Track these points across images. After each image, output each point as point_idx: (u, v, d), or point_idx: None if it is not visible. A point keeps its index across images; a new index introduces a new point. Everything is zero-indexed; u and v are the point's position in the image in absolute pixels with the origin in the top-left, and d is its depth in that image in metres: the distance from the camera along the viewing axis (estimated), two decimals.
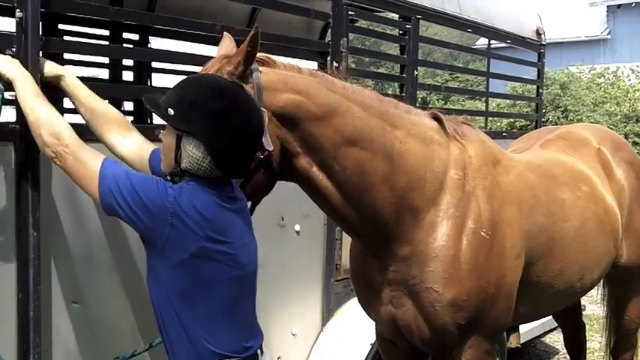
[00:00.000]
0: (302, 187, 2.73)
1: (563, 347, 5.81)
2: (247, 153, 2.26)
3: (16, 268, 2.45)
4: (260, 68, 2.48)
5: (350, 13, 3.94)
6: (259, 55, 2.50)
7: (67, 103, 5.17)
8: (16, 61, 2.37)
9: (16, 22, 2.42)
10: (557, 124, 16.07)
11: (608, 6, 27.74)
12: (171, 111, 2.19)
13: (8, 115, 2.57)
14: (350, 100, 2.71)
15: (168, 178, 2.24)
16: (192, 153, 2.19)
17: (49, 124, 2.26)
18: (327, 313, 3.98)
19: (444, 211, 2.89)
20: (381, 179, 2.74)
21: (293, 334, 3.75)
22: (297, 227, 3.70)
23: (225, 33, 2.64)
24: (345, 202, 2.74)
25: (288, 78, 2.53)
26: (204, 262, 2.17)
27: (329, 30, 4.06)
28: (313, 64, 5.81)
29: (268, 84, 2.47)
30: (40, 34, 2.50)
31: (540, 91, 6.68)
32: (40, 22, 2.52)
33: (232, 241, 2.23)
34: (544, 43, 6.34)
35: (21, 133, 2.42)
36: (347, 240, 3.39)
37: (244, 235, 2.32)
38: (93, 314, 2.68)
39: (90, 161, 2.20)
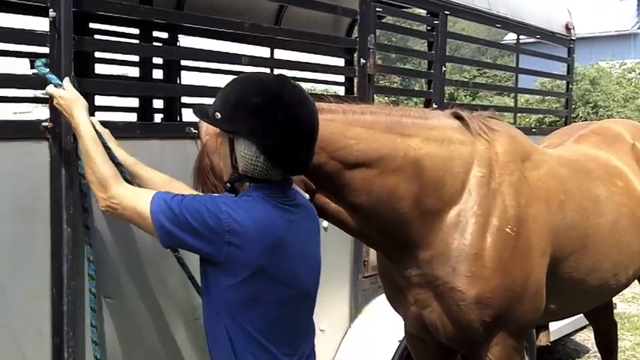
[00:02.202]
0: (321, 217, 2.71)
1: (594, 346, 5.75)
2: (301, 145, 2.19)
3: (51, 264, 2.49)
4: None
5: (377, 9, 3.94)
6: None
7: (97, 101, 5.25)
8: (77, 105, 2.37)
9: (50, 21, 2.46)
10: (587, 120, 15.89)
11: (638, 0, 27.32)
12: (218, 115, 2.17)
13: (43, 113, 2.61)
14: (352, 124, 2.70)
15: (228, 185, 2.21)
16: (245, 153, 2.14)
17: (97, 180, 2.26)
18: (355, 310, 3.98)
19: (466, 210, 2.88)
20: (393, 192, 2.75)
21: (321, 330, 3.76)
22: (325, 224, 3.70)
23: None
24: (359, 220, 2.79)
25: None
26: (261, 280, 2.12)
27: (356, 26, 4.05)
28: (340, 61, 5.84)
29: None
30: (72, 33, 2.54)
31: (570, 86, 6.61)
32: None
33: (292, 257, 2.18)
34: (574, 38, 6.27)
35: (55, 130, 2.46)
36: None
37: (306, 249, 2.27)
38: (125, 309, 2.72)
39: (139, 204, 2.17)
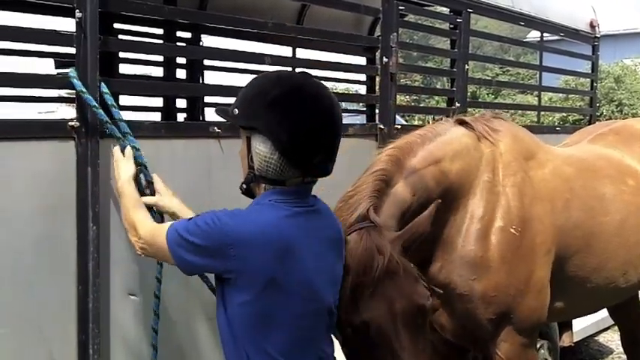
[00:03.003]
0: None
1: (617, 347, 5.69)
2: (318, 143, 2.08)
3: (77, 261, 2.52)
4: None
5: (400, 7, 3.93)
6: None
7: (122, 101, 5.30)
8: (124, 168, 2.46)
9: (76, 22, 2.48)
10: (611, 119, 15.73)
11: None
12: (236, 111, 2.13)
13: (68, 112, 2.65)
14: (407, 178, 2.72)
15: (244, 187, 2.17)
16: (260, 150, 2.07)
17: (129, 225, 2.31)
18: None
19: (472, 215, 2.92)
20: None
21: None
22: None
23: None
24: None
25: None
26: (274, 293, 2.01)
27: (378, 25, 4.05)
28: (362, 60, 5.83)
29: None
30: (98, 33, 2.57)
31: (594, 84, 6.55)
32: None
33: (306, 266, 2.06)
34: (598, 35, 6.21)
35: (81, 129, 2.49)
36: None
37: (325, 259, 2.15)
38: (149, 306, 2.74)
39: (160, 239, 2.15)
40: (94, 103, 2.46)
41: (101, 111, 2.48)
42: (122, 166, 2.47)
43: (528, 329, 3.08)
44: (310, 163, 2.09)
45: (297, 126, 2.04)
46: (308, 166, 2.10)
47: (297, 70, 5.62)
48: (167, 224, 2.18)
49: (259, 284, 2.00)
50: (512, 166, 3.06)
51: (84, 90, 2.45)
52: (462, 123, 3.08)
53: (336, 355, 2.42)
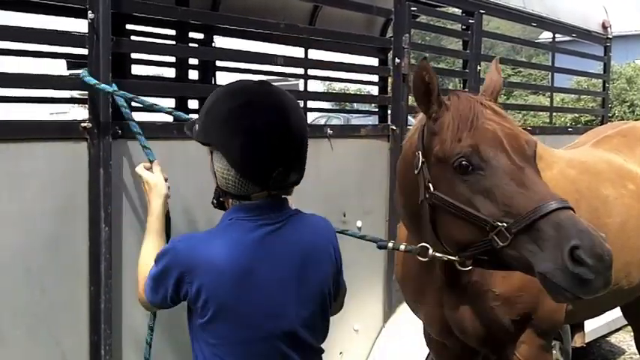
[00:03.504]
0: None
1: (629, 347, 5.66)
2: (273, 156, 1.96)
3: (89, 262, 2.54)
4: None
5: (412, 8, 3.92)
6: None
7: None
8: (154, 192, 2.34)
9: (88, 23, 2.50)
10: (623, 119, 15.66)
11: None
12: (197, 126, 2.07)
13: (81, 113, 2.66)
14: None
15: (214, 202, 2.14)
16: (217, 166, 2.00)
17: (138, 273, 2.20)
18: (389, 310, 3.97)
19: None
20: None
21: (355, 330, 3.77)
22: (359, 223, 3.71)
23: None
24: None
25: None
26: (230, 318, 1.94)
27: (390, 26, 4.05)
28: (374, 61, 5.83)
29: None
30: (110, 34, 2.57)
31: (606, 85, 6.52)
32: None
33: (270, 288, 1.96)
34: (610, 36, 6.18)
35: (94, 130, 2.51)
36: None
37: (293, 273, 2.01)
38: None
39: (142, 292, 2.12)
40: (112, 89, 2.49)
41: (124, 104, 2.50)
42: (153, 188, 2.35)
43: (547, 331, 3.08)
44: (268, 178, 1.97)
45: (248, 142, 1.93)
46: (267, 181, 1.98)
47: (310, 71, 5.66)
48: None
49: (214, 309, 1.93)
50: None
51: (98, 82, 2.47)
52: None
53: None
